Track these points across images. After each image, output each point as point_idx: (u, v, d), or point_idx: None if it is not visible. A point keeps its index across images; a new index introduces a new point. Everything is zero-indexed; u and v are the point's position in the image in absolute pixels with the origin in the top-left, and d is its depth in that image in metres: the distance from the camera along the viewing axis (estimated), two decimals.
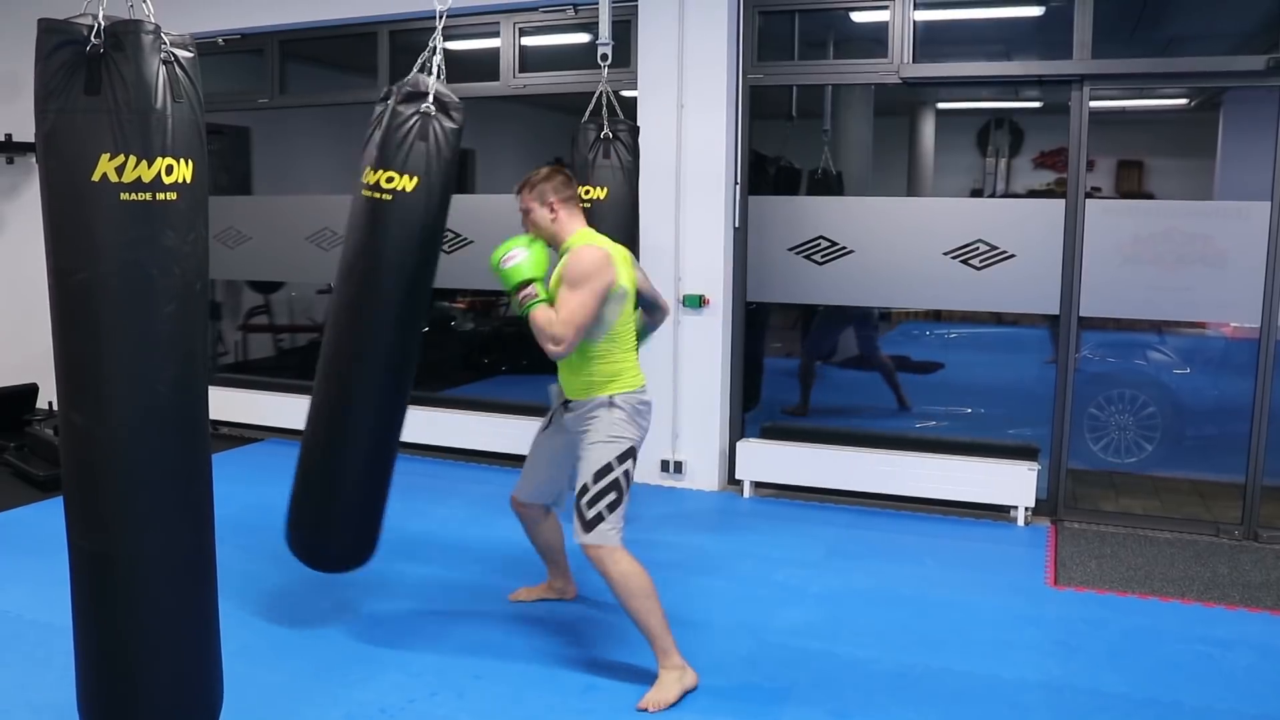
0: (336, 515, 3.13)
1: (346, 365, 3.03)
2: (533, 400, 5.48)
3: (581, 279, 2.82)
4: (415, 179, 2.90)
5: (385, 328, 2.98)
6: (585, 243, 2.95)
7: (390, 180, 2.89)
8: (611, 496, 2.85)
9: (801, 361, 6.20)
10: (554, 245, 3.02)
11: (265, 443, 5.84)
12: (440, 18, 3.04)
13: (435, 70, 2.94)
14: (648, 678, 2.88)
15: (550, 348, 2.81)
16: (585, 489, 2.86)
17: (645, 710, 2.76)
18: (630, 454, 2.91)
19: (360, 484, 3.10)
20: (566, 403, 3.03)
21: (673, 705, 2.78)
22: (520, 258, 2.89)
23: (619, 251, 2.98)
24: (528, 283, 2.86)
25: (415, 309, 3.05)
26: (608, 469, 2.86)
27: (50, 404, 5.49)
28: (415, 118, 2.88)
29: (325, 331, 3.16)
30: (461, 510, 4.56)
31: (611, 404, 2.91)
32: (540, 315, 2.82)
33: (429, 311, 3.36)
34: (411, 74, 2.96)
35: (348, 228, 3.04)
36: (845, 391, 6.49)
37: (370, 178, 2.89)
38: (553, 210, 2.98)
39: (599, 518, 2.84)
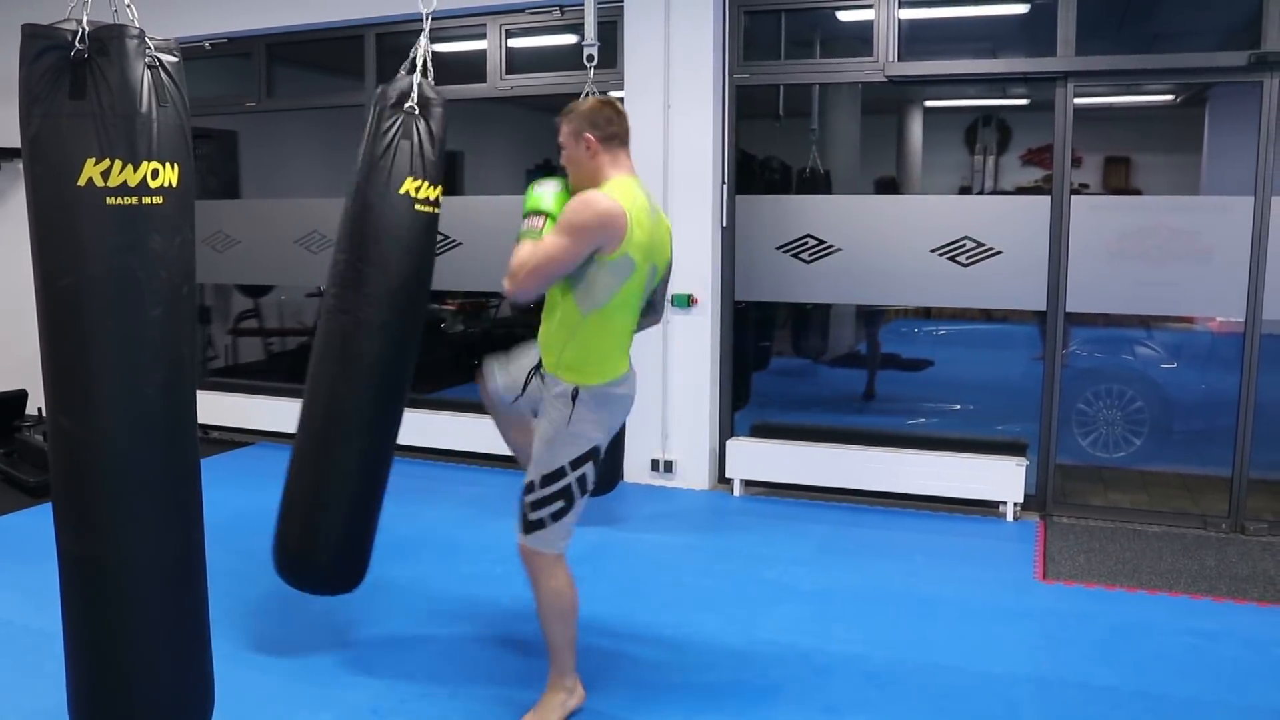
0: (326, 537, 2.98)
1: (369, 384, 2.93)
2: None
3: (570, 227, 2.41)
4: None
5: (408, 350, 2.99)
6: (612, 192, 2.49)
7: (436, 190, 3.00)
8: (558, 505, 2.54)
9: (869, 352, 6.25)
10: (586, 189, 2.56)
11: (255, 446, 5.83)
12: (426, 19, 3.05)
13: (419, 69, 2.95)
14: (641, 674, 2.89)
15: (504, 282, 2.47)
16: (531, 487, 2.56)
17: None
18: (590, 456, 2.55)
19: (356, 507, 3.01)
20: (540, 364, 2.64)
21: None
22: (548, 190, 2.58)
23: (650, 220, 2.55)
24: (538, 214, 2.53)
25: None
26: (559, 474, 2.53)
27: (40, 410, 5.47)
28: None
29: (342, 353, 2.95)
30: (452, 511, 4.57)
31: (575, 398, 2.52)
32: (520, 249, 2.48)
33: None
34: (406, 78, 2.96)
35: (391, 243, 2.86)
36: (837, 387, 6.52)
37: (428, 192, 2.88)
38: (589, 147, 2.55)
39: (540, 524, 2.55)
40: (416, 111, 2.91)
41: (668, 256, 2.70)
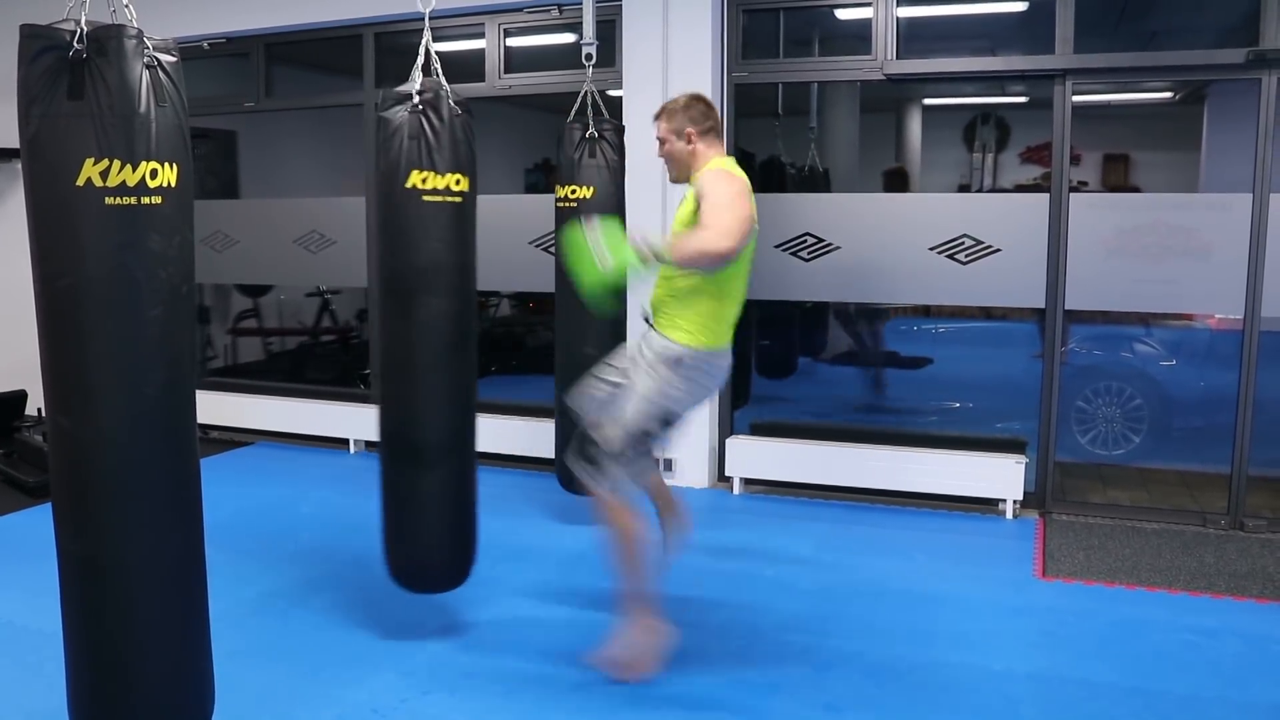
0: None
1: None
2: (525, 400, 5.50)
3: (719, 183, 2.64)
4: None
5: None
6: (720, 167, 2.78)
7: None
8: (635, 456, 2.80)
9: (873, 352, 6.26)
10: (684, 179, 2.88)
11: (255, 446, 5.83)
12: (426, 19, 3.05)
13: (420, 65, 2.97)
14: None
15: (721, 246, 2.48)
16: (610, 439, 2.79)
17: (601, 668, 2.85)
18: (672, 418, 2.81)
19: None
20: (649, 321, 2.88)
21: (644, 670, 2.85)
22: (604, 245, 2.54)
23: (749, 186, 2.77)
24: (634, 239, 2.58)
25: None
26: (642, 428, 2.77)
27: (39, 410, 5.47)
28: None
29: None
30: None
31: (679, 361, 2.74)
32: (680, 240, 2.55)
33: None
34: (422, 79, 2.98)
35: (406, 234, 2.96)
36: (833, 386, 6.52)
37: (436, 182, 2.94)
38: (690, 142, 2.85)
39: (616, 473, 2.79)
40: (420, 106, 2.93)
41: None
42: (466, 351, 3.08)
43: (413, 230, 2.95)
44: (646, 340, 2.85)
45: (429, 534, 3.07)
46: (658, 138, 2.92)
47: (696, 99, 2.89)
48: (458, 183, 2.97)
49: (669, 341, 2.78)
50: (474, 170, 3.03)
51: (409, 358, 3.00)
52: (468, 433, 3.12)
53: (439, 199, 2.95)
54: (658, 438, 2.86)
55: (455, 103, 2.98)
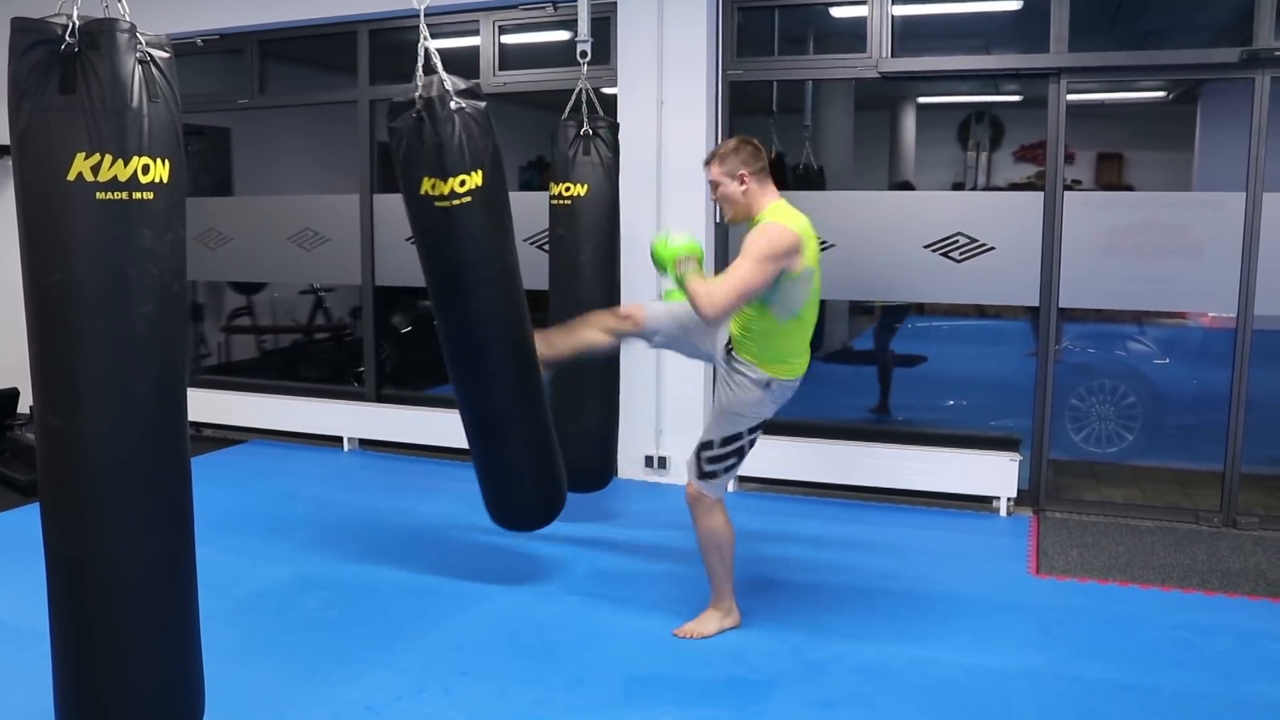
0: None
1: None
2: None
3: (761, 255, 2.80)
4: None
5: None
6: (775, 219, 2.91)
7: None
8: (731, 461, 3.08)
9: (878, 362, 6.20)
10: (744, 219, 3.01)
11: (247, 444, 5.81)
12: (422, 17, 3.05)
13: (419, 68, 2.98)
14: (636, 669, 2.89)
15: (703, 310, 2.81)
16: (710, 445, 3.06)
17: (681, 636, 3.11)
18: (759, 429, 3.09)
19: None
20: (730, 348, 3.05)
21: (707, 638, 3.12)
22: (678, 237, 2.88)
23: (807, 229, 2.95)
24: (686, 258, 2.85)
25: None
26: (737, 437, 3.05)
27: (31, 408, 5.45)
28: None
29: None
30: (448, 508, 4.56)
31: (768, 386, 2.99)
32: (694, 285, 2.81)
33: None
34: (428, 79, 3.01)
35: (429, 241, 3.16)
36: (831, 387, 6.52)
37: (444, 188, 3.02)
38: (743, 183, 2.95)
39: (714, 474, 3.08)
40: (420, 114, 2.94)
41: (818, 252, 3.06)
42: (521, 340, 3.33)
43: (432, 233, 3.12)
44: (732, 365, 3.05)
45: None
46: (711, 180, 3.01)
47: (745, 141, 3.00)
48: (462, 184, 2.98)
49: (761, 372, 3.00)
50: (489, 160, 3.06)
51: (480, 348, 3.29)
52: (537, 401, 3.40)
53: (446, 204, 2.98)
54: (746, 448, 3.13)
55: (460, 93, 2.98)
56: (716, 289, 2.79)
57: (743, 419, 3.04)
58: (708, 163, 3.03)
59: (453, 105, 2.97)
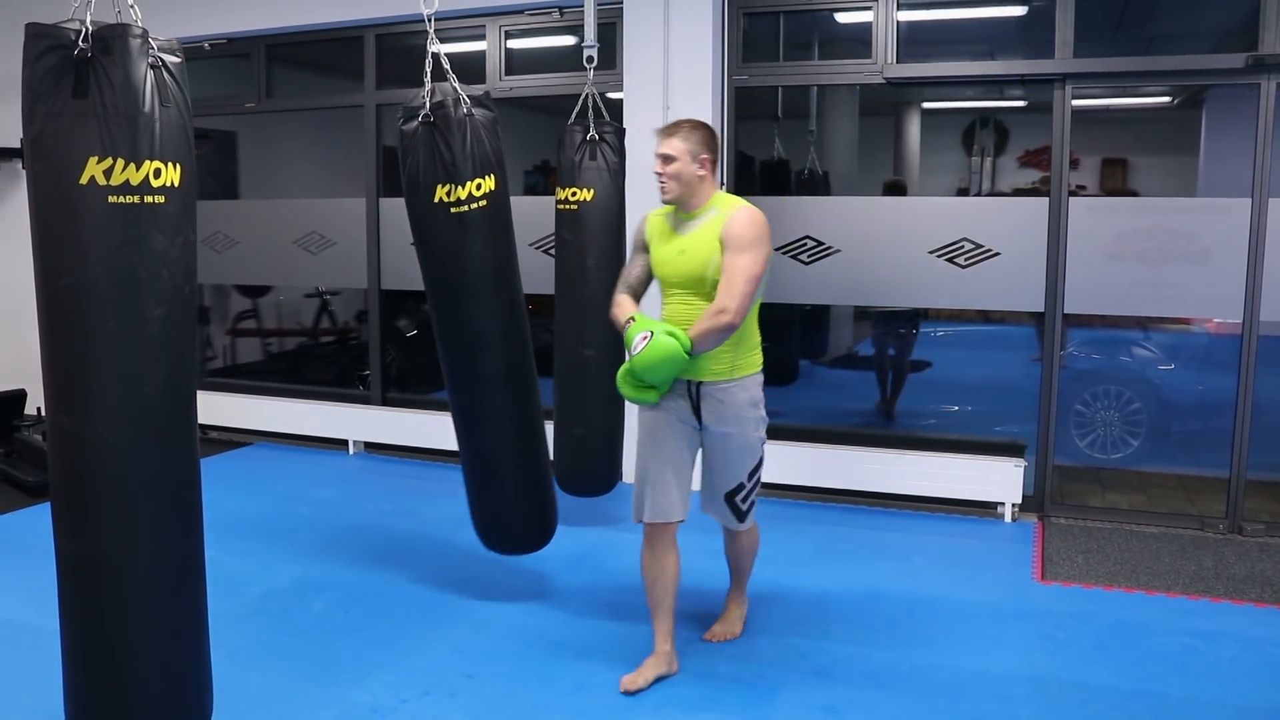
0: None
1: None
2: None
3: (755, 242, 2.70)
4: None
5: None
6: (742, 205, 2.78)
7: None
8: (758, 485, 2.98)
9: (877, 364, 6.20)
10: (682, 204, 2.80)
11: (254, 447, 5.83)
12: (430, 22, 3.06)
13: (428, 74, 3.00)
14: None
15: (721, 319, 2.68)
16: (742, 488, 2.94)
17: (710, 640, 3.16)
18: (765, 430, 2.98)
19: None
20: (695, 386, 2.83)
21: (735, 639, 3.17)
22: (662, 335, 2.72)
23: None
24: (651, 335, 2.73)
25: None
26: (759, 464, 2.95)
27: (39, 409, 5.47)
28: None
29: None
30: (451, 511, 4.55)
31: (758, 381, 2.89)
32: (697, 326, 2.71)
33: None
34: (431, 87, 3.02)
35: (441, 249, 3.14)
36: (832, 389, 6.52)
37: (460, 193, 3.03)
38: (703, 167, 2.77)
39: (752, 507, 3.00)
40: (432, 119, 2.95)
41: None
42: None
43: (447, 242, 3.12)
44: (721, 397, 2.84)
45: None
46: (665, 154, 2.77)
47: (704, 124, 2.83)
48: (479, 188, 3.01)
49: (745, 384, 2.87)
50: (498, 166, 3.09)
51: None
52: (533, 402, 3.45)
53: (463, 209, 2.99)
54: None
55: (470, 98, 3.00)
56: (723, 298, 2.68)
57: (760, 443, 2.92)
58: (666, 134, 2.78)
59: (465, 111, 2.99)
